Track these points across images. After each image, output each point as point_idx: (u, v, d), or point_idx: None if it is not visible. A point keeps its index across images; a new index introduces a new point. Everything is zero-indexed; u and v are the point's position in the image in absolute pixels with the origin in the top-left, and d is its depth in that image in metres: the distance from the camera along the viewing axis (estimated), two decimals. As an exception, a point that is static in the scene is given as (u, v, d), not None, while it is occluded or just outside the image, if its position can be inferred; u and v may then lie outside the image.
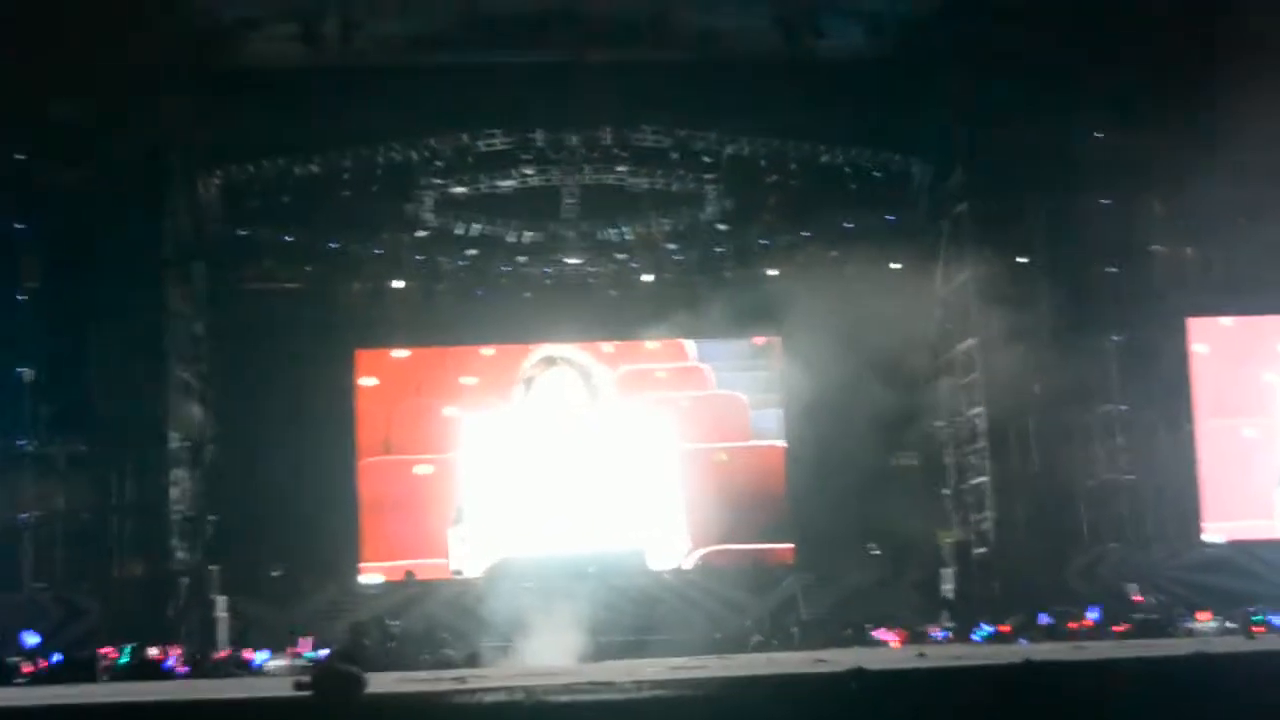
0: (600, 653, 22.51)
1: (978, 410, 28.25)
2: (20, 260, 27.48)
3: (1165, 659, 18.15)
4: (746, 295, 29.57)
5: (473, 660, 22.41)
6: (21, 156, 26.71)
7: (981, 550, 27.85)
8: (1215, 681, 15.77)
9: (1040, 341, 27.13)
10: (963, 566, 27.78)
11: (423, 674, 20.69)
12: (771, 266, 30.14)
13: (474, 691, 17.11)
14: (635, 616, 25.01)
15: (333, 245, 29.35)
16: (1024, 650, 20.62)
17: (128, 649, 23.62)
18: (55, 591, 25.96)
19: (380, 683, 17.75)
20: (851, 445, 27.71)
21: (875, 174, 28.91)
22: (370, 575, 28.95)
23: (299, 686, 17.15)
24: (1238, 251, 28.13)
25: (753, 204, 29.44)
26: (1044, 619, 24.62)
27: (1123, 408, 27.85)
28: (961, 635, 25.11)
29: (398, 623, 25.45)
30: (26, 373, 26.90)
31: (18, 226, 27.24)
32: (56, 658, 23.37)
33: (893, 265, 29.61)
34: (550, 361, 29.81)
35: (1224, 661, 17.51)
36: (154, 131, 26.57)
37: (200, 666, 23.51)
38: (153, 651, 23.55)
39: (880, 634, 25.06)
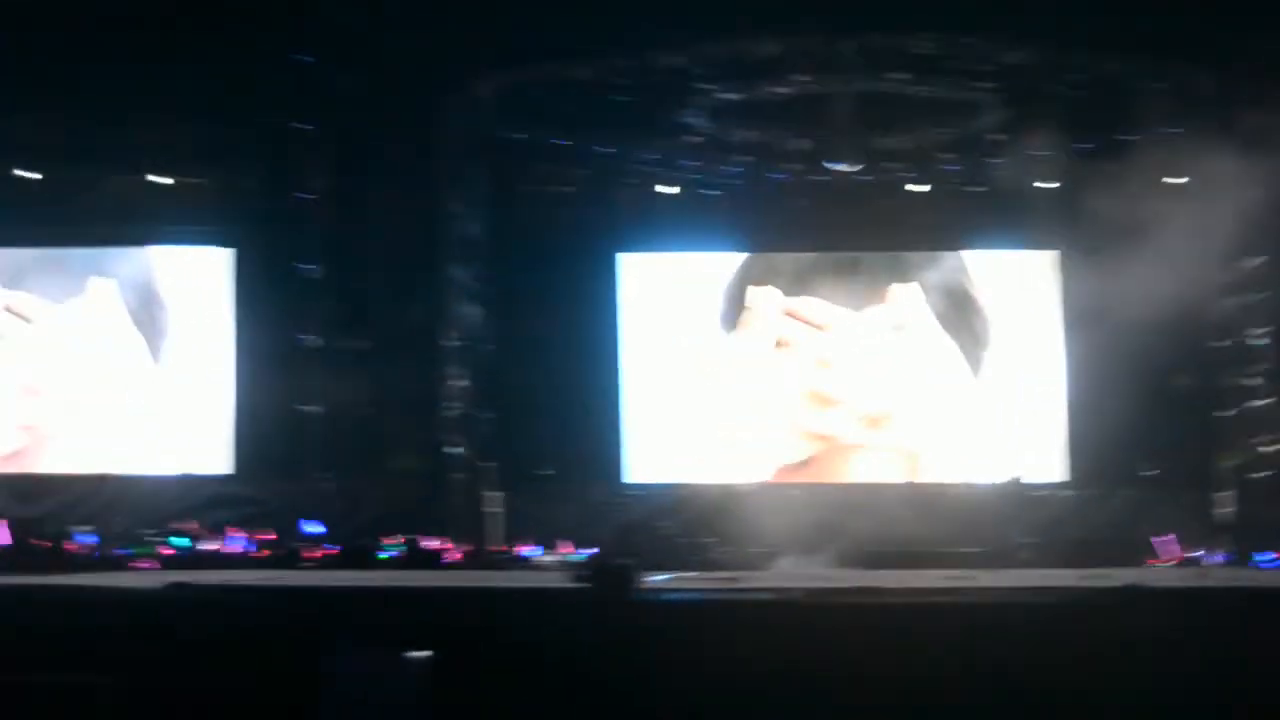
0: (866, 562, 22.49)
1: (1264, 330, 27.38)
2: (304, 161, 28.37)
3: None
4: (1022, 207, 29.10)
5: (741, 565, 22.57)
6: (303, 58, 27.46)
7: (1262, 475, 27.10)
8: None
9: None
10: (1242, 491, 27.03)
11: (692, 574, 20.98)
12: (1049, 179, 29.43)
13: (746, 591, 17.33)
14: (904, 529, 24.78)
15: (606, 150, 29.44)
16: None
17: (396, 541, 24.44)
18: (337, 482, 26.89)
19: (652, 580, 18.08)
20: (1129, 364, 27.04)
21: (1160, 84, 27.93)
22: (636, 479, 29.36)
23: (577, 578, 17.57)
24: None
25: (1031, 114, 28.64)
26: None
27: None
28: (1240, 561, 24.49)
29: (666, 524, 25.71)
30: (310, 270, 27.79)
31: (302, 126, 28.07)
32: (340, 545, 24.27)
33: (1176, 179, 28.76)
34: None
35: None
36: (431, 34, 26.97)
37: (474, 558, 24.13)
38: (429, 543, 24.28)
39: (1159, 543, 24.56)
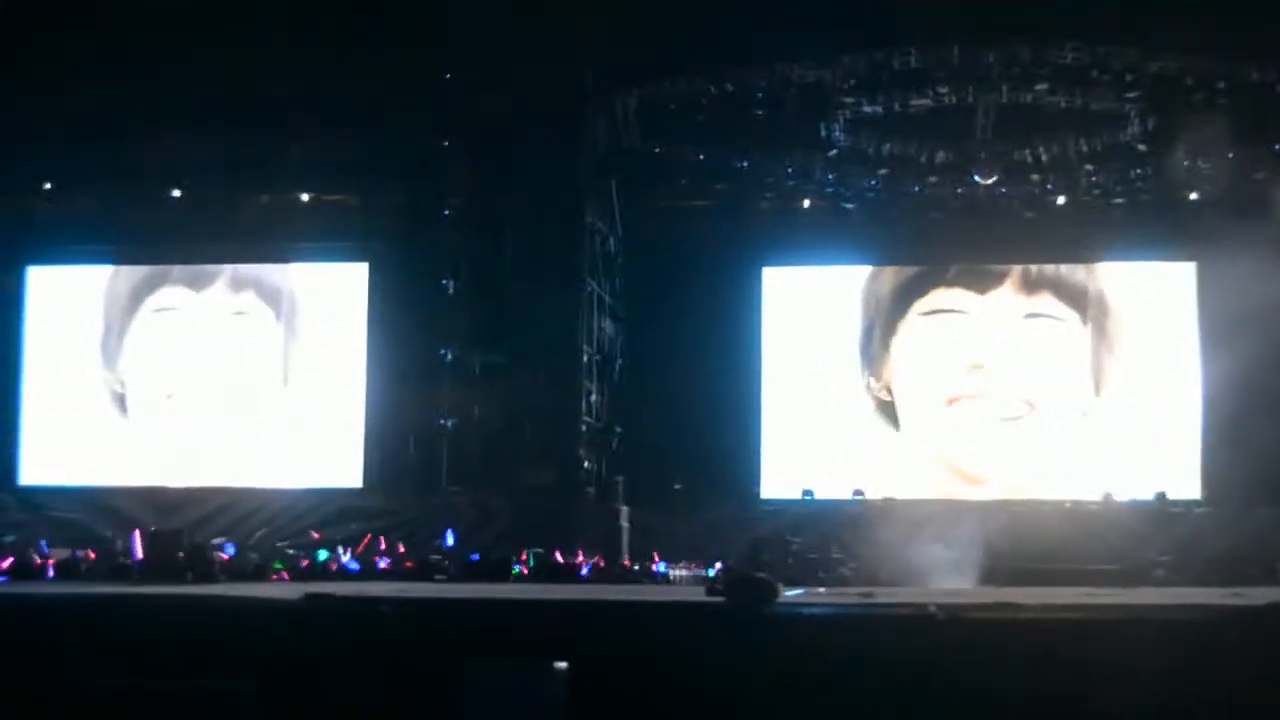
0: (1001, 579, 22.25)
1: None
2: (446, 177, 28.67)
3: None
4: (1166, 219, 28.74)
5: (871, 581, 22.42)
6: (448, 75, 27.76)
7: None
8: None
9: None
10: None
11: (824, 589, 20.89)
12: (1193, 190, 29.00)
13: (881, 605, 17.20)
14: (1034, 545, 24.48)
15: (743, 164, 29.44)
16: None
17: (530, 555, 24.56)
18: (470, 495, 27.08)
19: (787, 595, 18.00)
20: (1268, 379, 26.55)
21: (1306, 93, 27.42)
22: (769, 495, 29.34)
23: (712, 591, 17.54)
24: None
25: (1176, 124, 28.22)
26: None
27: None
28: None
29: (797, 540, 25.62)
30: (449, 284, 28.07)
31: (445, 144, 28.38)
32: (473, 557, 24.42)
33: (1319, 190, 28.22)
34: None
35: None
36: (572, 49, 27.15)
37: (606, 572, 24.19)
38: (560, 556, 24.39)
39: None
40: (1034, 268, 29.80)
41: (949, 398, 29.18)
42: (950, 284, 29.84)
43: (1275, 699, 14.27)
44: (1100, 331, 29.45)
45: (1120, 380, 29.22)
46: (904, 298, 29.91)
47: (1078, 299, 29.65)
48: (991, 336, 29.44)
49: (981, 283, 29.77)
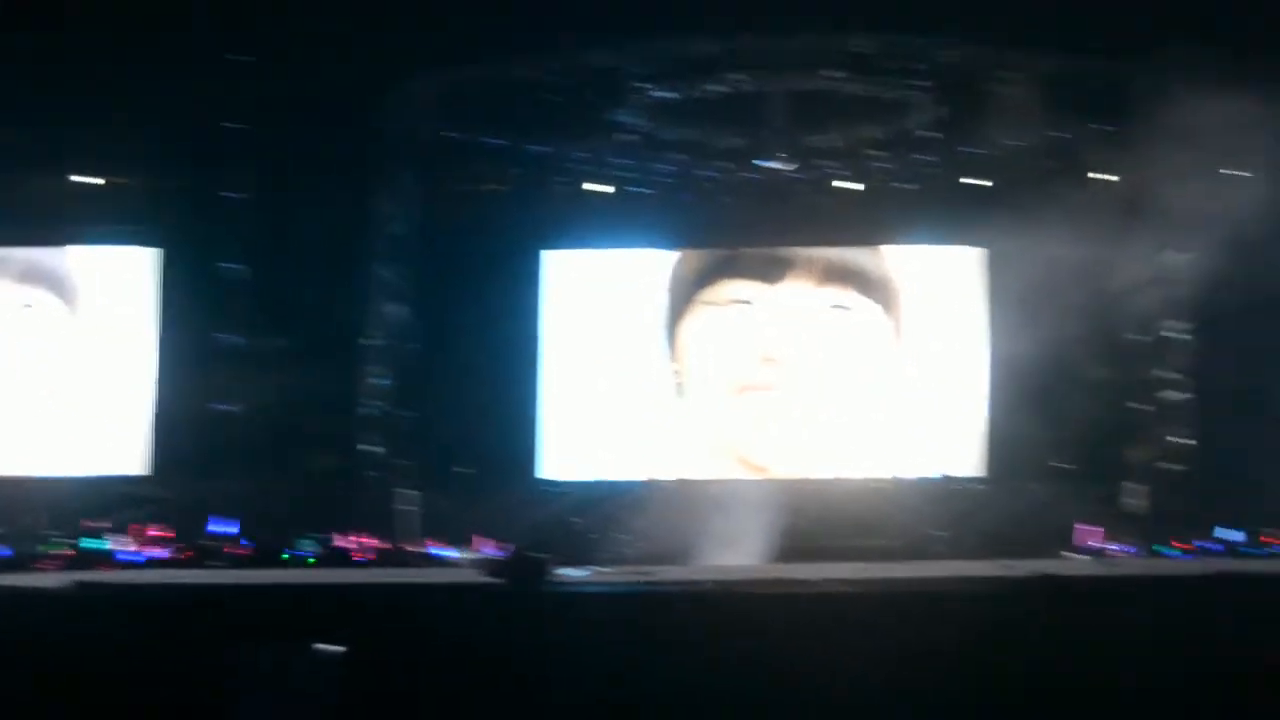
0: (781, 557, 22.48)
1: (1183, 325, 27.54)
2: (232, 160, 28.20)
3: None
4: (956, 205, 29.22)
5: (654, 561, 22.50)
6: (236, 59, 27.28)
7: (1177, 466, 27.24)
8: None
9: (1252, 256, 26.24)
10: (1155, 482, 27.18)
11: (606, 569, 20.95)
12: (980, 177, 29.51)
13: (659, 583, 17.29)
14: (816, 522, 24.76)
15: (537, 149, 29.34)
16: (1218, 563, 20.25)
17: (311, 540, 24.33)
18: (251, 481, 26.69)
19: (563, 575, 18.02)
20: (1050, 358, 27.12)
21: (1098, 81, 28.00)
22: (551, 476, 29.26)
23: (489, 573, 17.50)
24: None
25: (964, 113, 28.69)
26: (1237, 537, 24.05)
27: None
28: (1150, 552, 24.64)
29: (580, 520, 25.65)
30: (234, 270, 27.63)
31: (230, 125, 27.90)
32: (246, 543, 24.12)
33: (1105, 177, 28.91)
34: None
35: None
36: (364, 32, 26.82)
37: (389, 556, 24.02)
38: (342, 541, 24.18)
39: (1082, 530, 24.64)
40: (826, 257, 29.90)
41: (741, 387, 29.28)
42: (745, 274, 29.82)
43: (1040, 666, 14.60)
44: (892, 318, 29.76)
45: (911, 366, 29.54)
46: (699, 284, 29.89)
47: (869, 287, 29.84)
48: (784, 327, 29.52)
49: (775, 272, 29.80)
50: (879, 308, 29.65)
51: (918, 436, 29.16)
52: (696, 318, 29.75)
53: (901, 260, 29.96)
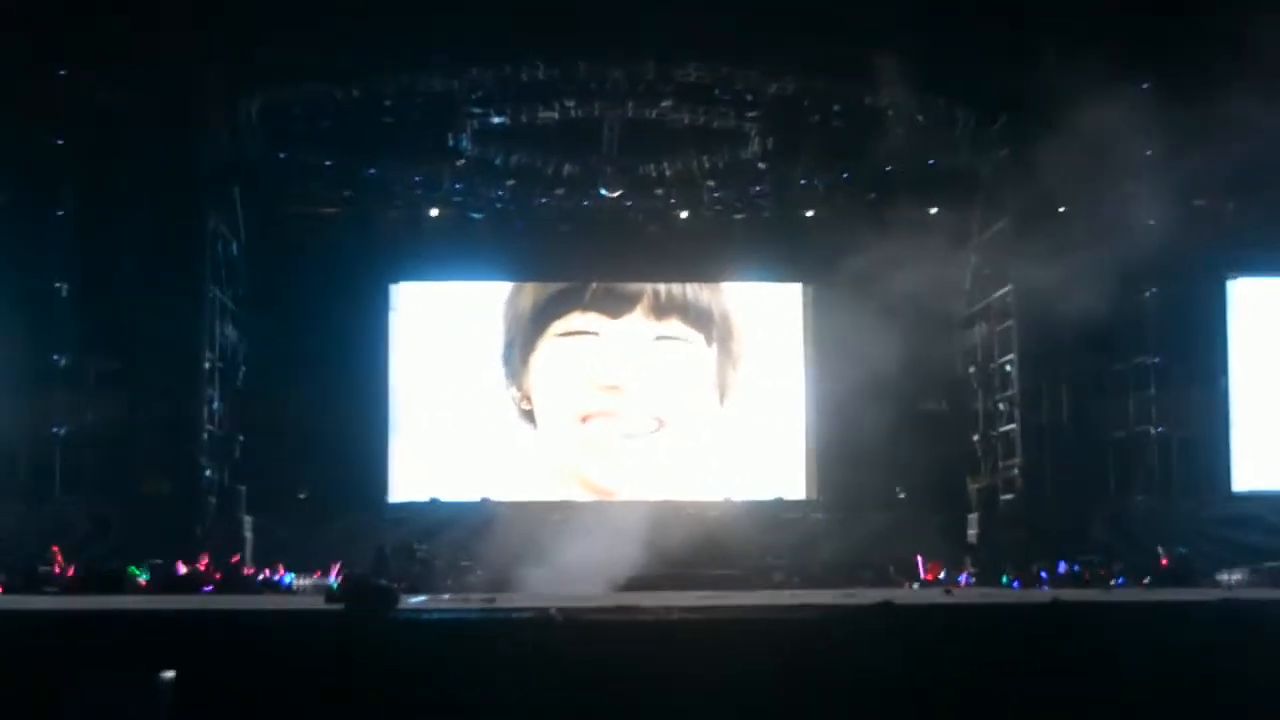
0: (624, 585, 22.53)
1: (1010, 357, 28.22)
2: (58, 176, 27.56)
3: (1192, 603, 18.19)
4: (783, 235, 29.64)
5: (498, 587, 22.46)
6: (62, 71, 26.73)
7: (1008, 497, 27.82)
8: (1244, 626, 15.81)
9: (1075, 291, 26.94)
10: (988, 513, 27.73)
11: (450, 596, 20.85)
12: (810, 207, 29.98)
13: (503, 610, 17.25)
14: (660, 551, 24.90)
15: (371, 172, 29.20)
16: (1051, 592, 20.72)
17: (147, 566, 23.83)
18: (84, 505, 26.09)
19: (408, 602, 17.90)
20: (881, 389, 27.64)
21: (918, 117, 28.59)
22: (397, 501, 29.34)
23: (331, 599, 17.33)
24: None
25: (794, 144, 29.13)
26: (1065, 568, 24.62)
27: (1155, 360, 27.69)
28: (986, 581, 25.12)
29: (424, 547, 25.51)
30: (61, 288, 27.00)
31: (57, 142, 27.29)
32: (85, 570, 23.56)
33: (931, 209, 29.55)
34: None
35: (1253, 608, 17.53)
36: (192, 49, 26.46)
37: (228, 583, 23.64)
38: (183, 569, 23.75)
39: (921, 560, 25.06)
40: (662, 291, 30.56)
41: (583, 415, 29.64)
42: (586, 308, 30.38)
43: (882, 690, 14.83)
44: (724, 350, 30.48)
45: (741, 394, 30.26)
46: (541, 317, 30.31)
47: (702, 321, 30.54)
48: (624, 358, 30.01)
49: (615, 306, 30.39)
50: (711, 340, 30.33)
51: (749, 462, 29.79)
52: (541, 350, 30.09)
53: (731, 295, 30.60)
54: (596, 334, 30.18)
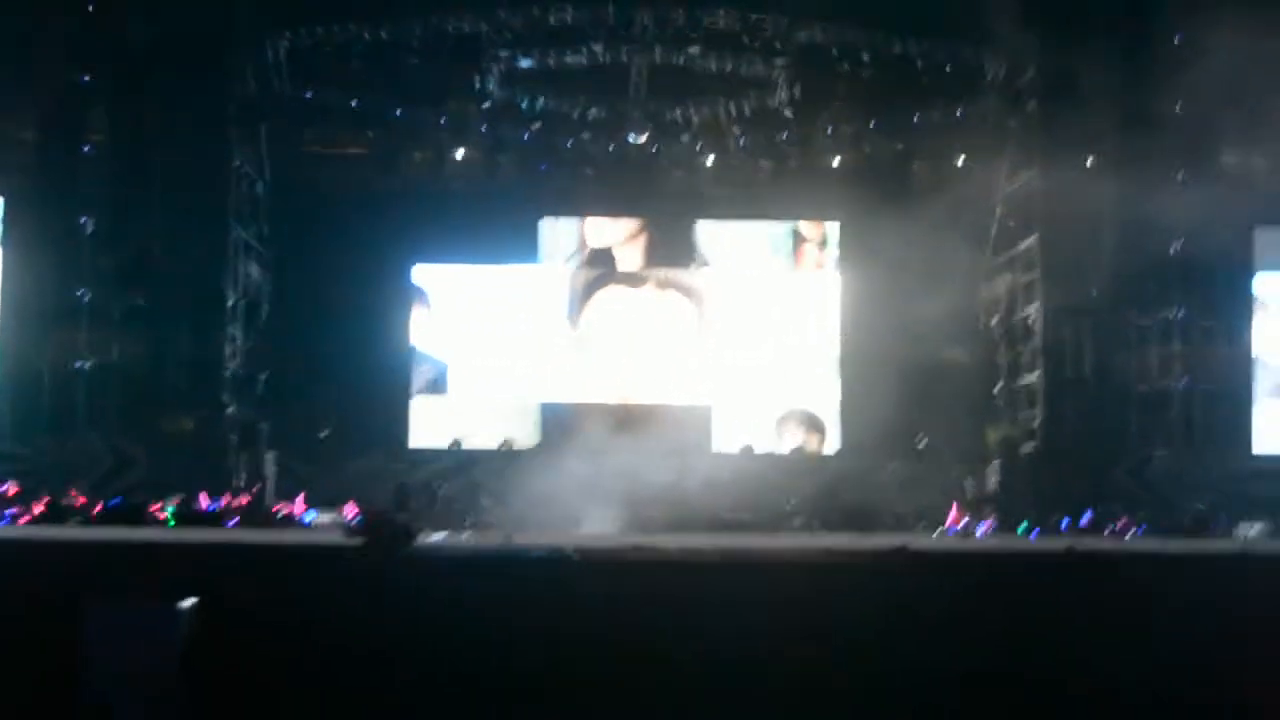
0: (643, 527, 22.57)
1: (1034, 309, 28.08)
2: (86, 112, 27.62)
3: (1209, 555, 18.22)
4: (809, 182, 29.56)
5: (517, 528, 22.50)
6: (90, 7, 26.78)
7: (1029, 448, 27.77)
8: (1261, 578, 15.83)
9: (1101, 244, 26.91)
10: (1009, 463, 27.67)
11: (468, 533, 20.95)
12: (836, 156, 29.88)
13: (519, 548, 17.34)
14: (678, 496, 24.90)
15: (397, 113, 29.19)
16: (1069, 540, 20.70)
17: (170, 500, 23.94)
18: (108, 440, 26.22)
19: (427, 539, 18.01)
20: (903, 339, 27.67)
21: (947, 67, 28.47)
22: (417, 446, 29.39)
23: (351, 535, 17.43)
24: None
25: (821, 92, 29.07)
26: (1087, 517, 24.54)
27: (1180, 313, 27.56)
28: (1005, 530, 25.06)
29: (443, 484, 25.59)
30: (87, 223, 27.08)
31: (84, 78, 27.34)
32: (113, 502, 23.66)
33: (958, 161, 29.47)
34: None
35: (1270, 560, 17.55)
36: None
37: (250, 517, 23.74)
38: (202, 501, 23.87)
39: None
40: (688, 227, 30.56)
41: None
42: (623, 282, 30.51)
43: (897, 633, 14.91)
44: (745, 288, 30.28)
45: (764, 335, 30.08)
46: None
47: (727, 257, 30.56)
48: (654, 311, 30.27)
49: (638, 279, 30.54)
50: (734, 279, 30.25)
51: (776, 409, 29.87)
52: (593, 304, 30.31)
53: (760, 234, 30.43)
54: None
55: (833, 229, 30.71)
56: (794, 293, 30.50)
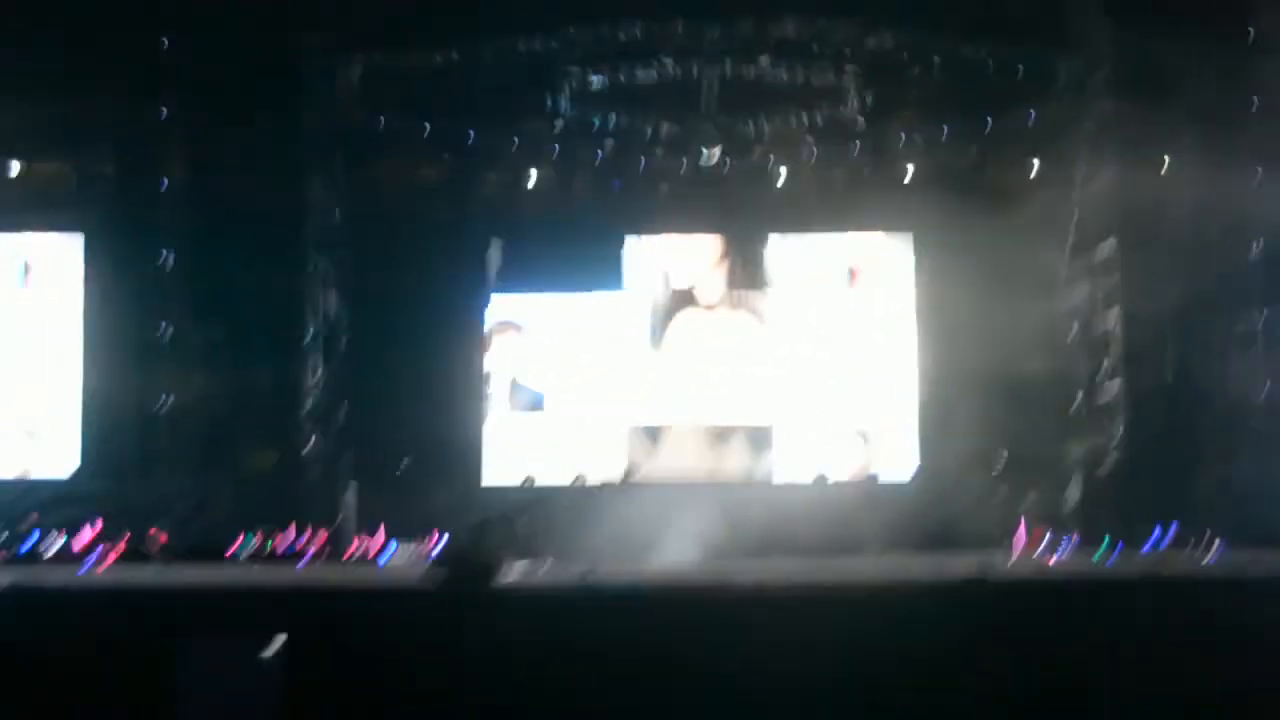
0: (720, 558, 22.50)
1: (1114, 316, 27.78)
2: (163, 148, 27.93)
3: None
4: (883, 192, 29.40)
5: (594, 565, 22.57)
6: (165, 41, 27.07)
7: (1111, 461, 27.48)
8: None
9: (1181, 248, 26.58)
10: (1091, 477, 27.42)
11: (546, 569, 21.02)
12: (909, 163, 29.70)
13: (601, 585, 17.41)
14: (756, 528, 24.77)
15: (470, 135, 29.30)
16: (1152, 562, 20.54)
17: (252, 536, 24.14)
18: (190, 477, 26.46)
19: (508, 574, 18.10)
20: (981, 349, 27.36)
21: (1019, 70, 28.23)
22: (495, 475, 29.22)
23: (434, 572, 17.54)
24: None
25: (893, 99, 28.91)
26: (1170, 533, 24.31)
27: (1264, 318, 27.21)
28: (1087, 547, 24.84)
29: (523, 519, 25.58)
30: (167, 258, 27.37)
31: (163, 112, 27.65)
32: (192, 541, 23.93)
33: (1032, 165, 29.24)
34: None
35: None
36: (292, 16, 26.69)
37: (330, 553, 23.92)
38: (284, 538, 24.04)
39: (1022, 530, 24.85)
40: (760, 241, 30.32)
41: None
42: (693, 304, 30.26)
43: (973, 664, 14.86)
44: (817, 306, 30.13)
45: (840, 356, 29.81)
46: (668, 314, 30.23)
47: (797, 274, 30.29)
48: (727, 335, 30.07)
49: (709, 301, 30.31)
50: (808, 296, 30.08)
51: (851, 433, 29.55)
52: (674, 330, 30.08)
53: (832, 248, 30.29)
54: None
55: (889, 252, 30.20)
56: (866, 312, 30.06)
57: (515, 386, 29.73)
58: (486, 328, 29.67)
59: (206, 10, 26.44)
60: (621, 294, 30.06)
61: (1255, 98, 26.93)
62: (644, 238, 30.20)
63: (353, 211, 28.92)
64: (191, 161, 27.87)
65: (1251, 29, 26.72)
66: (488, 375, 29.52)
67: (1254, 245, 27.13)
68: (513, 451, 29.38)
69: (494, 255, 29.74)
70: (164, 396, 26.98)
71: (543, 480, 28.73)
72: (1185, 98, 26.69)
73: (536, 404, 29.67)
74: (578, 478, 28.67)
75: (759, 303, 30.05)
